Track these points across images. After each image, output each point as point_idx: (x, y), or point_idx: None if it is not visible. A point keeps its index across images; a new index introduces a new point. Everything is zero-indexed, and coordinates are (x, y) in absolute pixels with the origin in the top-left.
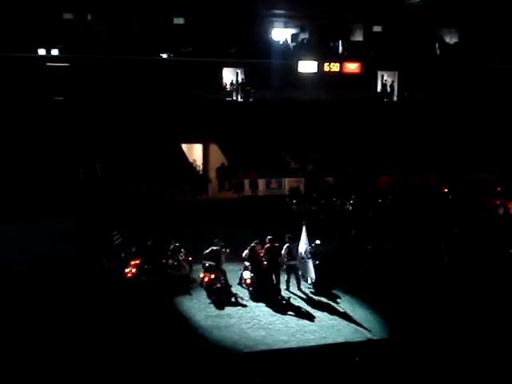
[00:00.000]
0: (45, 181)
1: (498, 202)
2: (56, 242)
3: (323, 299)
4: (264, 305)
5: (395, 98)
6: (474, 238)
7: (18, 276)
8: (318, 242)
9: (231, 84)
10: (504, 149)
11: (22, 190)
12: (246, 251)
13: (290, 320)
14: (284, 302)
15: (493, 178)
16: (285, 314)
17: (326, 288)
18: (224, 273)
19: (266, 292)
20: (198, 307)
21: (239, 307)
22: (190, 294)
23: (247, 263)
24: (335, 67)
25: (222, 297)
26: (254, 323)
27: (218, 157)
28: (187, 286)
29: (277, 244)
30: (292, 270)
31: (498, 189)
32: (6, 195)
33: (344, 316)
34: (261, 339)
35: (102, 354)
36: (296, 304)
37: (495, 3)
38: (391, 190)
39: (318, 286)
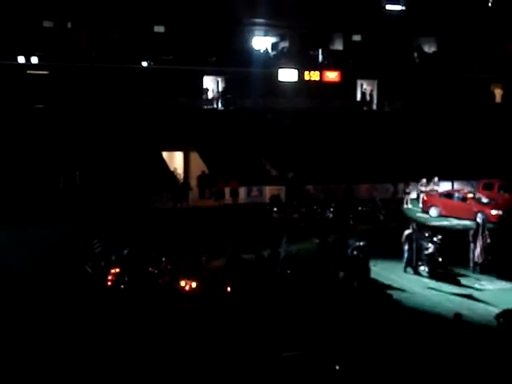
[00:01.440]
0: (24, 189)
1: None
2: (37, 250)
3: None
4: None
5: (374, 107)
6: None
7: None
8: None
9: (212, 91)
10: (481, 155)
11: (1, 199)
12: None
13: None
14: None
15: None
16: None
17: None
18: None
19: None
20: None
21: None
22: (170, 302)
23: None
24: (315, 76)
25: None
26: None
27: (198, 165)
28: (167, 294)
29: None
30: None
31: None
32: None
33: None
34: None
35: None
36: None
37: (472, 12)
38: (371, 198)
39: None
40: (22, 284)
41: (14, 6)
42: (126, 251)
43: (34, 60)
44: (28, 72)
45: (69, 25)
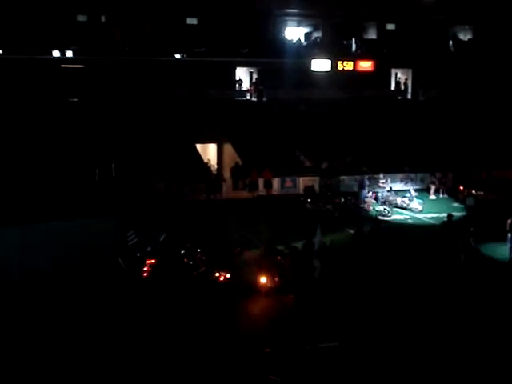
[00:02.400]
0: (60, 182)
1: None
2: (74, 242)
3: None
4: None
5: (409, 96)
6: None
7: (41, 277)
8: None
9: (240, 81)
10: None
11: (38, 192)
12: None
13: None
14: None
15: (509, 174)
16: None
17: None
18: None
19: None
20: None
21: None
22: (206, 293)
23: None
24: (349, 65)
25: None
26: None
27: (232, 156)
28: (203, 285)
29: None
30: None
31: None
32: (22, 197)
33: None
34: None
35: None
36: None
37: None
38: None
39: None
40: (57, 276)
41: (49, 1)
42: (162, 237)
43: (69, 54)
44: (62, 66)
45: (102, 18)
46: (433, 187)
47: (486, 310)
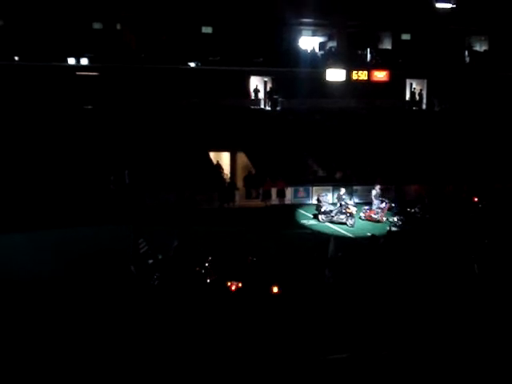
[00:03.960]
0: (75, 189)
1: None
2: (86, 249)
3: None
4: None
5: (424, 107)
6: (505, 248)
7: (53, 282)
8: None
9: (256, 91)
10: None
11: (52, 199)
12: None
13: None
14: None
15: None
16: None
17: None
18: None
19: None
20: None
21: None
22: (217, 302)
23: None
24: (363, 75)
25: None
26: None
27: (245, 165)
28: (214, 293)
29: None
30: None
31: None
32: (37, 204)
33: None
34: None
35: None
36: None
37: None
38: (421, 199)
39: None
40: (69, 282)
41: (64, 9)
42: (175, 243)
43: (84, 61)
44: (77, 73)
45: (118, 26)
46: None
47: (496, 323)
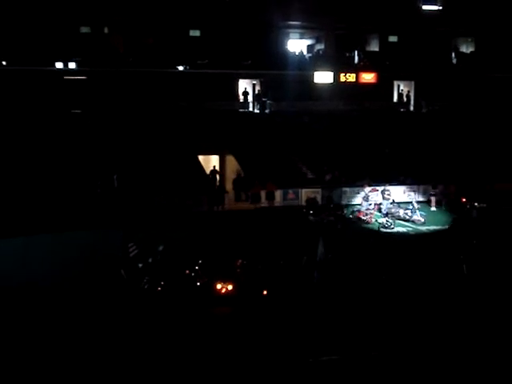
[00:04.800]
0: (63, 193)
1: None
2: (75, 254)
3: None
4: None
5: (412, 108)
6: (493, 249)
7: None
8: None
9: (245, 93)
10: None
11: (40, 203)
12: None
13: None
14: None
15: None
16: None
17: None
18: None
19: None
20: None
21: None
22: (206, 304)
23: None
24: (351, 77)
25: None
26: None
27: (234, 168)
28: (204, 296)
29: None
30: None
31: None
32: (24, 208)
33: None
34: None
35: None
36: None
37: (510, 10)
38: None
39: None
40: (58, 287)
41: (52, 13)
42: (160, 248)
43: (72, 65)
44: (65, 78)
45: (105, 30)
46: (433, 199)
47: (484, 323)
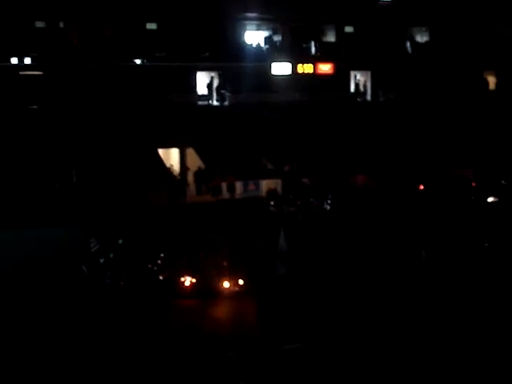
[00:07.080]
0: (20, 190)
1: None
2: (34, 251)
3: None
4: None
5: (369, 98)
6: (451, 234)
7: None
8: None
9: (209, 85)
10: (478, 145)
11: None
12: None
13: None
14: None
15: (468, 174)
16: None
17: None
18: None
19: None
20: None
21: None
22: (169, 298)
23: None
24: (309, 68)
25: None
26: None
27: (195, 161)
28: (167, 290)
29: None
30: None
31: (473, 184)
32: None
33: None
34: None
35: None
36: None
37: (465, 1)
38: (368, 189)
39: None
40: (18, 285)
41: (6, 7)
42: (120, 241)
43: (27, 61)
44: (21, 73)
45: (61, 25)
46: None
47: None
